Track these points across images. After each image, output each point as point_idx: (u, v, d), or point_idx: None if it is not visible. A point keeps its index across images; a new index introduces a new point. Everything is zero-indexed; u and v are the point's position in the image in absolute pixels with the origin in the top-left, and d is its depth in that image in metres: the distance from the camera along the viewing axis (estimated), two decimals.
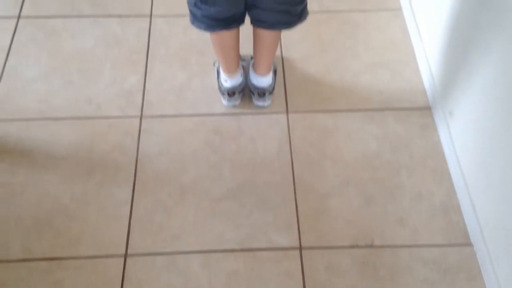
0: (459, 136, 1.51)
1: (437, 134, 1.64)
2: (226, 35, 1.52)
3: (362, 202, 1.51)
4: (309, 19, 1.49)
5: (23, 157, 1.59)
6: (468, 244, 1.44)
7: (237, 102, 1.72)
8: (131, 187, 1.54)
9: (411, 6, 1.88)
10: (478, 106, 1.39)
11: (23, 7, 1.96)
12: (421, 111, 1.71)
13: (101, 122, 1.67)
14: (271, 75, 1.69)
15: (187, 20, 1.47)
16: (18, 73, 1.78)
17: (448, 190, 1.53)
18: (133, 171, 1.57)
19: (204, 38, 1.72)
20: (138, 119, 1.68)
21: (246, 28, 1.48)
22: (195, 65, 1.82)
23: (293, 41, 1.88)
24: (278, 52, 1.84)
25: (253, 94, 1.70)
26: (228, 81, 1.67)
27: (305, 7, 1.47)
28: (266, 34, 1.53)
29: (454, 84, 1.53)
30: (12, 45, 1.85)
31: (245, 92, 1.73)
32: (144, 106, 1.71)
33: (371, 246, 1.44)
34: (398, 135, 1.65)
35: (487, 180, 1.36)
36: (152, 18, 1.94)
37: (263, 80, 1.68)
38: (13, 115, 1.68)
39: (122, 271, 1.40)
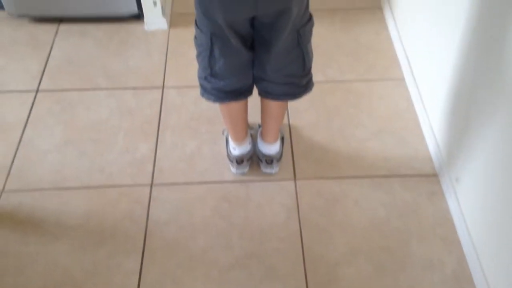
0: (467, 203, 1.52)
1: (445, 201, 1.65)
2: (235, 106, 1.58)
3: (372, 272, 1.50)
4: (315, 88, 1.55)
5: (35, 227, 1.61)
6: None
7: (246, 169, 1.75)
8: (140, 257, 1.54)
9: (413, 76, 1.94)
10: (483, 173, 1.40)
11: (42, 81, 2.06)
12: (428, 178, 1.72)
13: (112, 190, 1.70)
14: (278, 143, 1.74)
15: (197, 90, 1.54)
16: (34, 145, 1.84)
17: (459, 259, 1.51)
18: (142, 240, 1.58)
19: (214, 108, 1.79)
20: (149, 187, 1.71)
21: (254, 96, 1.55)
22: (205, 133, 1.87)
23: (299, 109, 1.94)
24: (285, 120, 1.89)
25: (261, 161, 1.74)
26: (236, 149, 1.71)
27: (310, 79, 1.54)
28: (273, 105, 1.59)
29: (459, 151, 1.55)
30: (30, 118, 1.93)
31: (253, 160, 1.76)
32: (154, 174, 1.75)
33: None
34: (406, 202, 1.65)
35: (497, 248, 1.35)
36: (164, 90, 2.03)
37: (270, 148, 1.72)
38: (27, 185, 1.72)
39: None
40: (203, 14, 1.34)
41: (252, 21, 1.36)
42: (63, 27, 2.28)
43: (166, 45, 2.21)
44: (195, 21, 1.40)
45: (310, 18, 1.42)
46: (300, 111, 1.94)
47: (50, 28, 2.27)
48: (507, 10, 1.23)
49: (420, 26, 1.87)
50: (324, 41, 2.19)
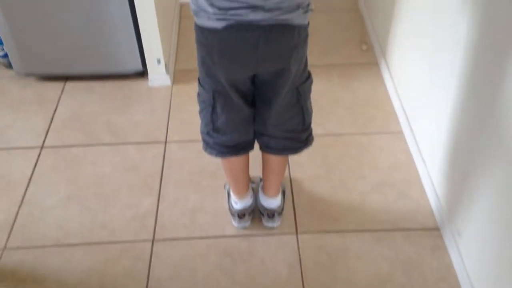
0: (470, 257, 1.51)
1: (448, 255, 1.63)
2: (236, 160, 1.61)
3: None
4: (315, 141, 1.58)
5: (36, 285, 1.60)
6: None
7: (248, 223, 1.75)
8: None
9: (412, 130, 1.98)
10: (485, 226, 1.40)
11: (47, 138, 2.10)
12: (430, 231, 1.72)
13: (114, 247, 1.70)
14: (279, 196, 1.75)
15: (199, 144, 1.57)
16: (37, 201, 1.85)
17: None
18: None
19: (216, 162, 1.81)
20: (150, 243, 1.70)
21: (255, 149, 1.58)
22: (206, 187, 1.89)
23: (300, 162, 1.96)
24: (286, 173, 1.91)
25: (263, 215, 1.74)
26: (238, 203, 1.72)
27: (310, 134, 1.57)
28: (274, 159, 1.62)
29: (459, 205, 1.56)
30: (34, 174, 1.95)
31: (255, 214, 1.77)
32: (156, 230, 1.75)
33: None
34: (409, 256, 1.64)
35: None
36: (167, 144, 2.06)
37: (272, 202, 1.73)
38: (30, 242, 1.72)
39: None
40: (206, 73, 1.39)
41: (253, 79, 1.41)
42: (70, 85, 2.35)
43: (169, 100, 2.27)
44: (198, 79, 1.45)
45: (309, 76, 1.47)
46: (301, 164, 1.96)
47: (56, 86, 2.34)
48: (502, 62, 1.28)
49: (416, 80, 1.93)
50: (323, 95, 2.25)
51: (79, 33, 2.16)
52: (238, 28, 1.25)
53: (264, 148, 1.59)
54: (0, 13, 2.09)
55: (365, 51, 2.49)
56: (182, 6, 2.84)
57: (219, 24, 1.25)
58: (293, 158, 1.94)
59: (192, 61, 1.45)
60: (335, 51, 2.52)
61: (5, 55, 2.30)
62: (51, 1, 2.06)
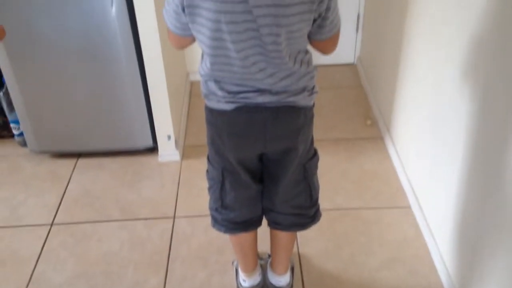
0: None
1: None
2: (245, 237, 1.61)
3: None
4: (323, 216, 1.59)
5: None
6: None
7: None
8: None
9: (419, 204, 1.98)
10: None
11: (57, 215, 2.13)
12: None
13: None
14: (288, 273, 1.73)
15: (208, 219, 1.58)
16: (45, 279, 1.84)
17: None
18: None
19: (224, 237, 1.81)
20: None
21: (264, 226, 1.58)
22: (214, 264, 1.87)
23: (308, 238, 1.95)
24: (294, 249, 1.90)
25: None
26: (246, 281, 1.70)
27: (317, 210, 1.58)
28: (283, 235, 1.62)
29: (471, 282, 1.53)
30: (43, 251, 1.95)
31: None
32: None
33: None
34: None
35: None
36: (176, 219, 2.07)
37: (281, 280, 1.70)
38: None
39: None
40: (215, 152, 1.44)
41: (261, 157, 1.45)
42: (81, 162, 2.41)
43: (178, 175, 2.31)
44: (208, 157, 1.49)
45: (315, 154, 1.51)
46: (309, 240, 1.95)
47: (69, 163, 2.40)
48: (505, 135, 1.31)
49: (421, 155, 1.96)
50: (330, 170, 2.28)
51: (92, 112, 2.25)
52: (247, 110, 1.31)
53: (272, 224, 1.60)
54: (18, 95, 2.19)
55: (370, 126, 2.56)
56: (192, 83, 2.96)
57: (228, 107, 1.31)
58: (301, 234, 1.94)
59: (201, 136, 1.50)
60: (340, 126, 2.58)
61: (21, 134, 2.39)
62: (66, 82, 2.17)
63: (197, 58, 1.36)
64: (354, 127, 2.57)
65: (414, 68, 2.00)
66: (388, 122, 2.41)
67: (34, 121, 2.27)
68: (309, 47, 1.31)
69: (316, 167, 1.53)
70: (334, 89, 2.88)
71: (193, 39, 1.29)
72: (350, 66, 3.09)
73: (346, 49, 3.04)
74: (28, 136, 2.33)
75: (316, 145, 1.50)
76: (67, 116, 2.26)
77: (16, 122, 2.35)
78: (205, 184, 1.53)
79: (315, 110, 1.40)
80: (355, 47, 3.04)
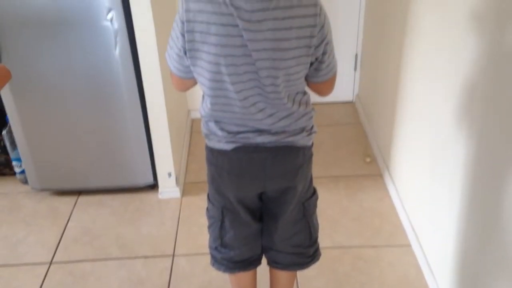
0: None
1: None
2: (244, 276, 1.60)
3: None
4: (323, 254, 1.58)
5: None
6: None
7: None
8: None
9: (419, 243, 1.98)
10: None
11: (56, 253, 2.12)
12: None
13: None
14: None
15: (207, 258, 1.57)
16: None
17: None
18: None
19: (224, 276, 1.80)
20: None
21: (263, 266, 1.58)
22: None
23: (309, 277, 1.93)
24: None
25: None
26: None
27: (317, 249, 1.58)
28: (282, 275, 1.61)
29: None
30: None
31: None
32: None
33: None
34: None
35: None
36: (175, 258, 2.06)
37: None
38: None
39: None
40: (215, 191, 1.45)
41: (261, 196, 1.46)
42: (82, 199, 2.42)
43: (178, 213, 2.31)
44: (208, 195, 1.50)
45: (314, 192, 1.52)
46: (309, 278, 1.93)
47: (69, 200, 2.41)
48: (504, 173, 1.32)
49: (419, 193, 1.97)
50: (330, 207, 2.28)
51: (94, 150, 2.28)
52: (246, 150, 1.33)
53: (272, 263, 1.59)
54: (21, 133, 2.22)
55: (369, 163, 2.58)
56: (193, 121, 3.00)
57: (228, 146, 1.33)
58: (301, 273, 1.92)
59: (202, 173, 1.51)
60: (339, 163, 2.60)
61: (22, 172, 2.41)
62: (69, 120, 2.20)
63: (198, 96, 1.39)
64: (353, 164, 2.59)
65: (411, 107, 2.04)
66: (387, 160, 2.43)
67: (36, 159, 2.29)
68: (307, 88, 1.35)
69: (315, 205, 1.54)
70: (333, 127, 2.92)
71: (195, 81, 1.32)
72: (349, 104, 3.14)
73: (345, 87, 3.10)
74: (29, 174, 2.34)
75: (316, 182, 1.52)
76: (69, 154, 2.29)
77: (18, 160, 2.38)
78: (205, 221, 1.54)
79: (314, 147, 1.43)
80: (354, 85, 3.09)
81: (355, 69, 3.03)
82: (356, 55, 2.98)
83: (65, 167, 2.32)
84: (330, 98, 1.38)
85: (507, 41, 1.26)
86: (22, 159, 2.31)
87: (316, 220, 1.55)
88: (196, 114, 2.99)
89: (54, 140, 2.25)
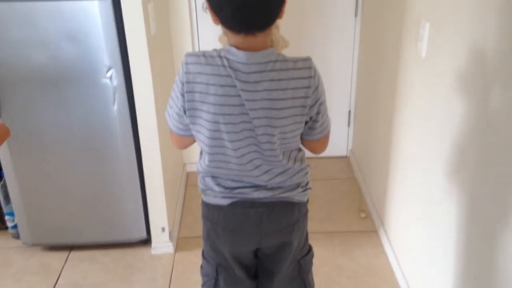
0: None
1: None
2: None
3: None
4: None
5: None
6: None
7: None
8: None
9: None
10: None
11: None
12: None
13: None
14: None
15: None
16: None
17: None
18: None
19: None
20: None
21: None
22: None
23: None
24: None
25: None
26: None
27: None
28: None
29: None
30: None
31: None
32: None
33: None
34: None
35: None
36: None
37: None
38: None
39: None
40: (210, 247, 1.44)
41: (256, 252, 1.45)
42: (74, 254, 2.37)
43: (171, 269, 2.26)
44: (202, 252, 1.49)
45: (310, 250, 1.51)
46: None
47: (61, 256, 2.36)
48: (497, 230, 1.33)
49: (415, 250, 1.96)
50: (325, 263, 2.25)
51: (89, 204, 2.27)
52: (243, 205, 1.34)
53: None
54: (16, 188, 2.22)
55: (364, 219, 2.57)
56: (189, 174, 3.01)
57: (224, 202, 1.34)
58: None
59: (196, 227, 1.51)
60: (334, 218, 2.59)
61: (15, 226, 2.38)
62: (64, 175, 2.20)
63: (194, 150, 1.42)
64: (348, 219, 2.58)
65: (404, 163, 2.07)
66: (381, 216, 2.43)
67: (29, 213, 2.27)
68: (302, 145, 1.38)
69: (311, 263, 1.52)
70: (328, 181, 2.93)
71: (193, 139, 1.35)
72: (343, 158, 3.18)
73: (339, 142, 3.14)
74: (22, 229, 2.31)
75: (311, 237, 1.51)
76: (63, 209, 2.27)
77: (12, 214, 2.35)
78: (198, 278, 1.51)
79: (309, 202, 1.43)
80: (348, 140, 3.14)
81: (349, 124, 3.09)
82: (350, 111, 3.05)
83: (58, 221, 2.30)
84: (324, 152, 1.42)
85: (493, 105, 1.31)
86: (16, 213, 2.29)
87: (312, 278, 1.53)
88: (191, 168, 3.01)
89: (48, 194, 2.24)
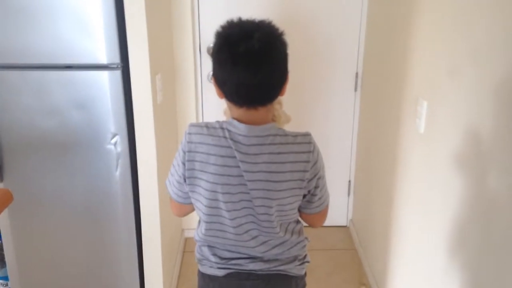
0: None
1: None
2: None
3: None
4: None
5: None
6: None
7: None
8: None
9: None
10: None
11: None
12: None
13: None
14: None
15: None
16: None
17: None
18: None
19: None
20: None
21: None
22: None
23: None
24: None
25: None
26: None
27: None
28: None
29: None
30: None
31: None
32: None
33: None
34: None
35: None
36: None
37: None
38: None
39: None
40: None
41: None
42: None
43: None
44: None
45: None
46: None
47: None
48: (497, 275, 1.30)
49: None
50: None
51: (84, 270, 2.22)
52: (238, 277, 1.33)
53: None
54: (12, 252, 2.19)
55: None
56: (186, 240, 2.98)
57: (220, 273, 1.33)
58: None
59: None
60: None
61: None
62: (62, 241, 2.18)
63: (192, 215, 1.42)
64: None
65: (405, 236, 2.05)
66: None
67: (23, 278, 2.23)
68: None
69: None
70: (327, 251, 2.89)
71: (192, 207, 1.37)
72: (343, 228, 3.15)
73: (339, 212, 3.14)
74: None
75: None
76: (57, 273, 2.23)
77: (6, 278, 2.31)
78: None
79: (308, 273, 1.42)
80: (347, 210, 3.14)
81: (349, 194, 3.10)
82: (349, 181, 3.07)
83: (53, 287, 2.25)
84: (324, 222, 1.42)
85: (491, 185, 1.33)
86: (10, 278, 2.25)
87: None
88: (189, 233, 2.98)
89: (44, 260, 2.21)
